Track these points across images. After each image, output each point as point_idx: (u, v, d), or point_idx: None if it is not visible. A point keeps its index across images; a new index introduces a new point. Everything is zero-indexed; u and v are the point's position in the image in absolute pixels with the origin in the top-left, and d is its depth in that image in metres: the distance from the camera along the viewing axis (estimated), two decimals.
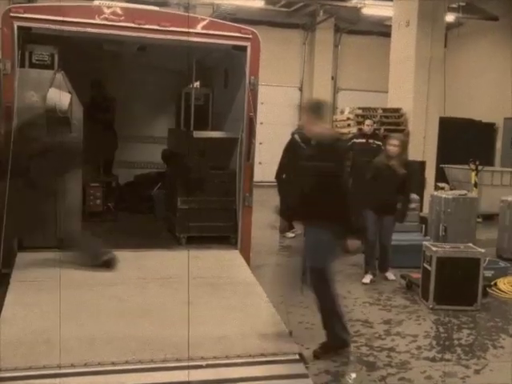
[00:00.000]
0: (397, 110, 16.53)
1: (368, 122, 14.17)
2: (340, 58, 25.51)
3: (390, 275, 10.18)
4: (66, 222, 8.55)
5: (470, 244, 9.16)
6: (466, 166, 16.52)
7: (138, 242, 9.20)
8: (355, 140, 13.97)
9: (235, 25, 9.13)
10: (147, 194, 11.99)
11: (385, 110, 16.65)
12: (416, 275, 9.32)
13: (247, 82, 8.88)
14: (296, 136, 13.00)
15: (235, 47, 9.00)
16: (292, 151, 13.11)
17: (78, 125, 8.73)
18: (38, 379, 4.95)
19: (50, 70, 8.60)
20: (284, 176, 13.13)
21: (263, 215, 11.84)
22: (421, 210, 12.46)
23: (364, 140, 13.85)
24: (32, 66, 8.67)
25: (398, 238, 10.41)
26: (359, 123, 15.74)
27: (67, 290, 6.50)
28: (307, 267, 6.62)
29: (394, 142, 9.79)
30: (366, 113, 16.35)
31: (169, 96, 12.37)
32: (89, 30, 8.24)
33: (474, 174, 16.02)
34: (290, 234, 13.25)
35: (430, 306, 8.54)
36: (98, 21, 8.25)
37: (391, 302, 8.96)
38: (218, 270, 8.10)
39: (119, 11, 8.37)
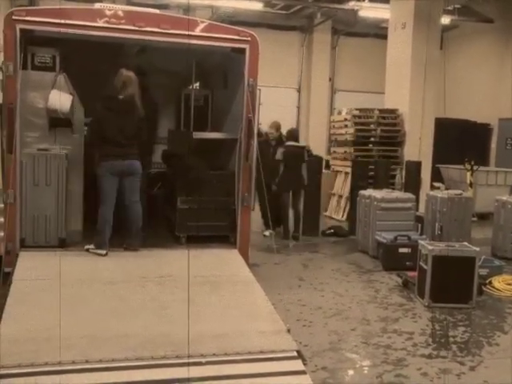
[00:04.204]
0: (393, 111, 16.52)
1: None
2: (337, 59, 25.51)
3: None
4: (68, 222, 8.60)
5: (466, 243, 9.16)
6: (462, 166, 16.52)
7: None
8: None
9: (234, 27, 9.13)
10: (148, 194, 11.95)
11: (381, 110, 16.63)
12: (412, 274, 9.33)
13: (246, 84, 8.89)
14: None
15: (234, 50, 8.99)
16: None
17: (79, 126, 8.76)
18: (40, 375, 4.96)
19: (51, 72, 8.63)
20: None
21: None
22: (417, 209, 12.46)
23: None
24: (34, 68, 8.68)
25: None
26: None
27: (68, 289, 6.52)
28: None
29: None
30: (362, 113, 16.34)
31: (169, 97, 12.36)
32: (90, 32, 8.26)
33: (469, 173, 16.02)
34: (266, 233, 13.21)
35: (426, 304, 8.54)
36: (99, 23, 8.27)
37: (388, 299, 8.97)
38: (217, 269, 8.10)
39: (120, 14, 8.39)
